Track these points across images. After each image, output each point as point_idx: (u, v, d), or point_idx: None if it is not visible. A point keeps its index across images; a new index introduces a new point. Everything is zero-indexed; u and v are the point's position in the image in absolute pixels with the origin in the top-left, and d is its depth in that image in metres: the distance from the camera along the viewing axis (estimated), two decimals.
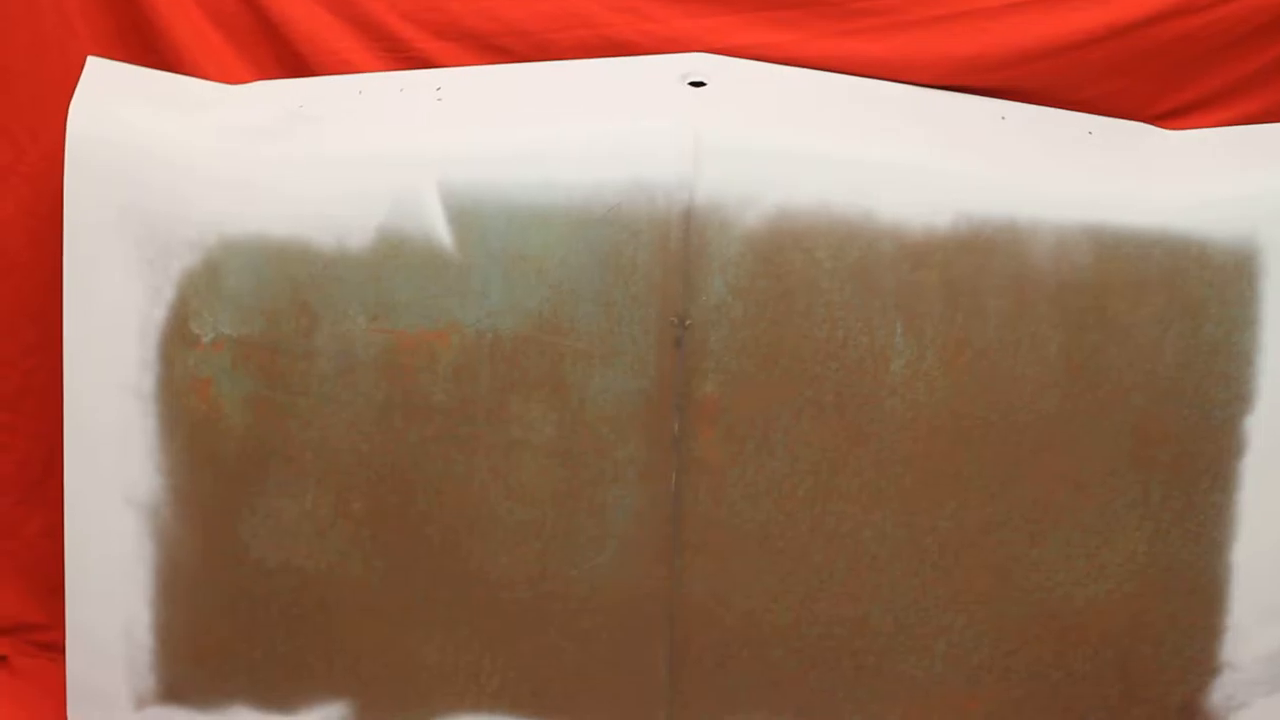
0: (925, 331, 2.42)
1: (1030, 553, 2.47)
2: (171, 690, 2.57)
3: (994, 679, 2.51)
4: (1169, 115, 2.52)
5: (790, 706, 2.54)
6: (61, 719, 2.58)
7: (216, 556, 2.52)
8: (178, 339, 2.46)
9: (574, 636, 2.52)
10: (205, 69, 2.57)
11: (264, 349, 2.46)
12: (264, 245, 2.44)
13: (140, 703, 2.58)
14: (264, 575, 2.52)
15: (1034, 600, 2.49)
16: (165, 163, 2.44)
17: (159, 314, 2.46)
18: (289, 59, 2.58)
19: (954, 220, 2.41)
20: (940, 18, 2.50)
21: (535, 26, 2.54)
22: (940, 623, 2.50)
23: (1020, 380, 2.43)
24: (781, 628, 2.51)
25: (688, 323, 2.42)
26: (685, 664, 2.52)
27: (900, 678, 2.52)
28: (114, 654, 2.55)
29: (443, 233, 2.42)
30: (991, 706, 2.53)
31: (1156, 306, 2.42)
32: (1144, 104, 2.52)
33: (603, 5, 2.52)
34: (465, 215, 2.42)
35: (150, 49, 2.58)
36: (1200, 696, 2.52)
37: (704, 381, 2.43)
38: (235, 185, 2.44)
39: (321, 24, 2.56)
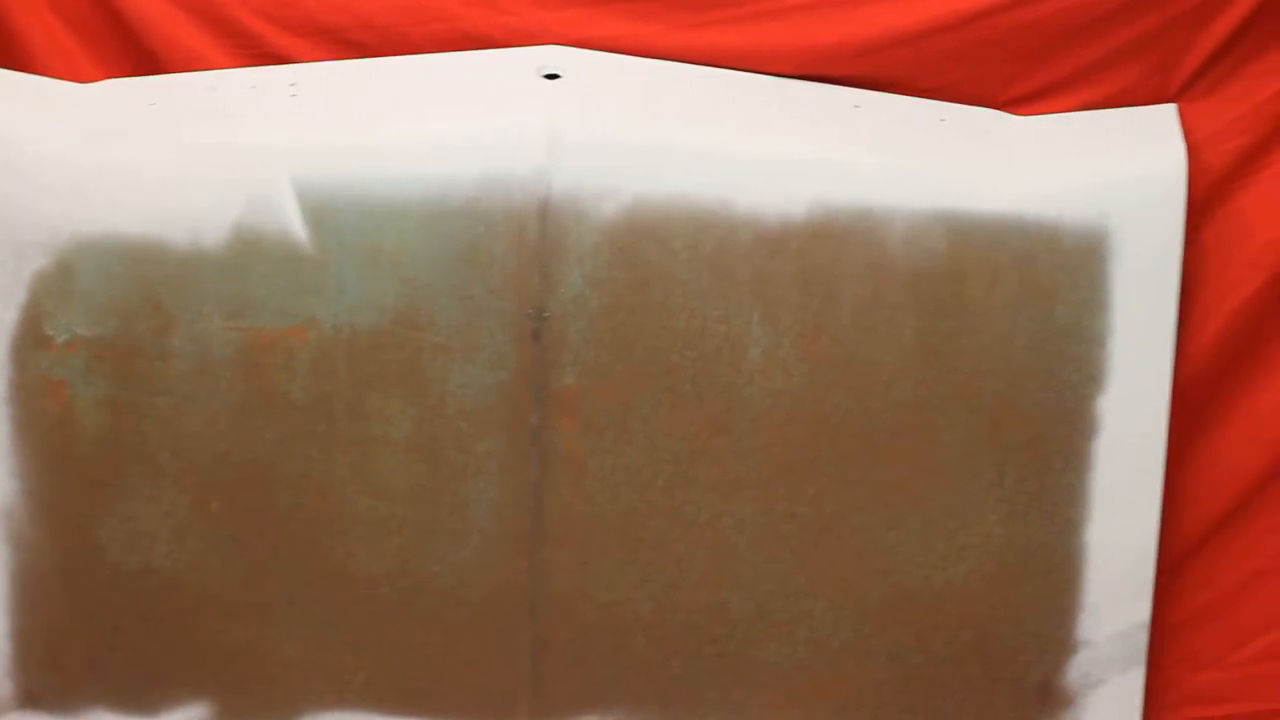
0: (782, 320, 2.43)
1: (888, 537, 2.50)
2: (30, 696, 2.55)
3: (855, 663, 2.54)
4: (1019, 101, 2.54)
5: (653, 696, 2.55)
6: None
7: (73, 560, 2.49)
8: (30, 341, 2.43)
9: (437, 631, 2.52)
10: (55, 68, 2.54)
11: (119, 350, 2.43)
12: (117, 245, 2.41)
13: None
14: (122, 578, 2.50)
15: (893, 584, 2.51)
16: (15, 164, 2.41)
17: (10, 316, 2.43)
18: (141, 57, 2.55)
19: (809, 209, 2.42)
20: (794, 8, 2.51)
21: (389, 21, 2.52)
22: (800, 608, 2.52)
23: (876, 366, 2.45)
24: (643, 618, 2.52)
25: (546, 315, 2.42)
26: (548, 656, 2.53)
27: (762, 664, 2.54)
28: None
29: (298, 229, 2.41)
30: (853, 690, 2.56)
31: (1009, 291, 2.44)
32: (995, 91, 2.54)
33: None
34: (321, 211, 2.40)
35: None
36: (1058, 675, 2.55)
37: (563, 373, 2.44)
38: (87, 185, 2.41)
39: (173, 21, 2.53)
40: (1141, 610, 2.53)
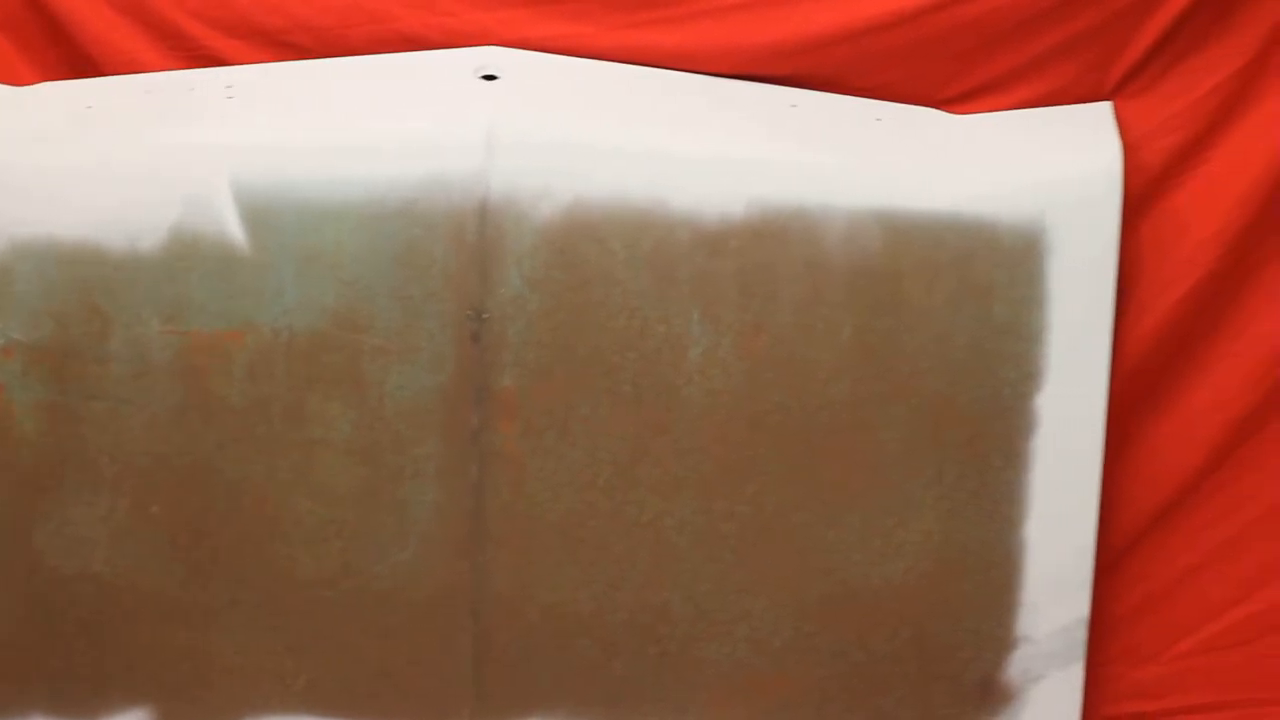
0: (721, 319, 2.44)
1: (828, 535, 2.50)
2: None
3: (796, 661, 2.54)
4: (956, 100, 2.54)
5: (596, 696, 2.56)
6: None
7: (11, 566, 2.49)
8: None
9: (378, 634, 2.52)
10: None
11: (56, 354, 2.43)
12: (54, 249, 2.41)
13: None
14: (61, 583, 2.50)
15: (833, 582, 2.52)
16: None
17: None
18: (77, 60, 2.54)
19: (747, 208, 2.42)
20: (731, 8, 2.51)
21: (326, 22, 2.52)
22: (741, 607, 2.52)
23: (815, 365, 2.46)
24: (585, 618, 2.52)
25: (485, 316, 2.42)
26: (490, 657, 2.53)
27: (703, 663, 2.55)
28: None
29: (236, 232, 2.40)
30: (794, 688, 2.56)
31: (948, 289, 2.45)
32: (932, 90, 2.54)
33: (395, 1, 2.51)
34: (258, 214, 2.40)
35: None
36: (998, 671, 2.56)
37: (502, 375, 2.44)
38: (23, 189, 2.40)
39: (109, 24, 2.52)
40: (1080, 606, 2.54)
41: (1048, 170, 2.46)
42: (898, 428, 2.47)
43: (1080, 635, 2.55)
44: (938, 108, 2.54)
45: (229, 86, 2.48)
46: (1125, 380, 2.55)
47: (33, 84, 2.54)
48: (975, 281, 2.44)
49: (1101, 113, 2.51)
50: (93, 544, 2.48)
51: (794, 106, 2.50)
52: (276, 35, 2.52)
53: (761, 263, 2.43)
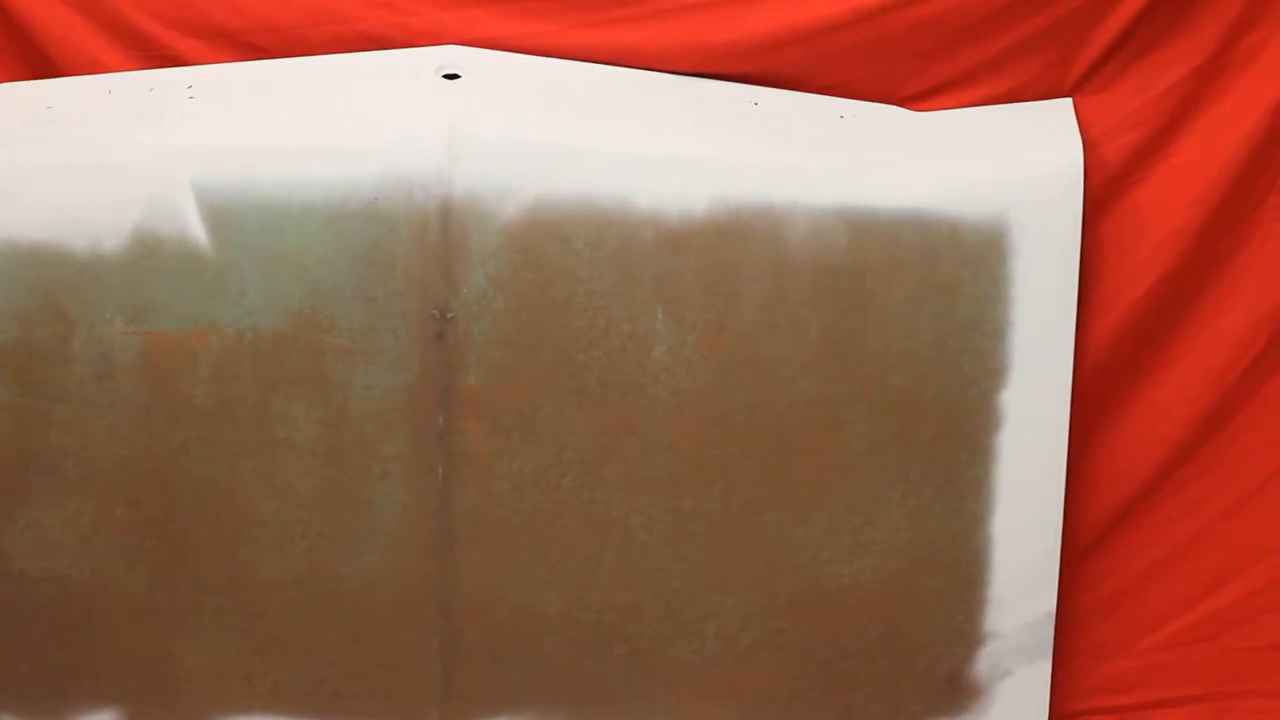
0: (686, 318, 2.44)
1: (796, 532, 2.51)
2: None
3: (765, 658, 2.55)
4: (918, 97, 2.55)
5: (565, 696, 2.56)
6: None
7: None
8: None
9: (345, 635, 2.52)
10: None
11: (19, 356, 2.41)
12: (15, 251, 2.39)
13: None
14: (27, 586, 2.49)
15: (802, 579, 2.52)
16: None
17: None
18: (36, 60, 2.53)
19: (710, 206, 2.43)
20: (692, 7, 2.51)
21: (287, 22, 2.51)
22: (709, 606, 2.52)
23: (781, 363, 2.46)
24: (553, 618, 2.52)
25: (449, 316, 2.42)
26: (458, 658, 2.52)
27: (673, 662, 2.55)
28: None
29: (199, 232, 2.39)
30: (764, 686, 2.57)
31: (911, 287, 2.46)
32: (894, 87, 2.55)
33: (356, 0, 2.51)
34: (221, 214, 2.39)
35: None
36: (966, 666, 2.57)
37: (467, 374, 2.43)
38: None
39: (68, 24, 2.51)
40: (1047, 601, 2.55)
41: (1009, 168, 2.47)
42: (864, 425, 2.48)
43: (1047, 630, 2.56)
44: (900, 105, 2.55)
45: (190, 87, 2.47)
46: (1089, 377, 2.57)
47: None
48: (939, 279, 2.45)
49: (1062, 110, 2.52)
50: (58, 545, 2.47)
51: (756, 104, 2.51)
52: (237, 35, 2.52)
53: (725, 261, 2.43)
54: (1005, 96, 2.55)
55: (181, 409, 2.43)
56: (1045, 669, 2.58)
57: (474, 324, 2.41)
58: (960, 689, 2.58)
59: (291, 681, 2.53)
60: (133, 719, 2.55)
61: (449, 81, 2.45)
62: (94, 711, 2.54)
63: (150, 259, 2.39)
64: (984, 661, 2.57)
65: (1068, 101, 2.52)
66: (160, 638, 2.51)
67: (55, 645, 2.50)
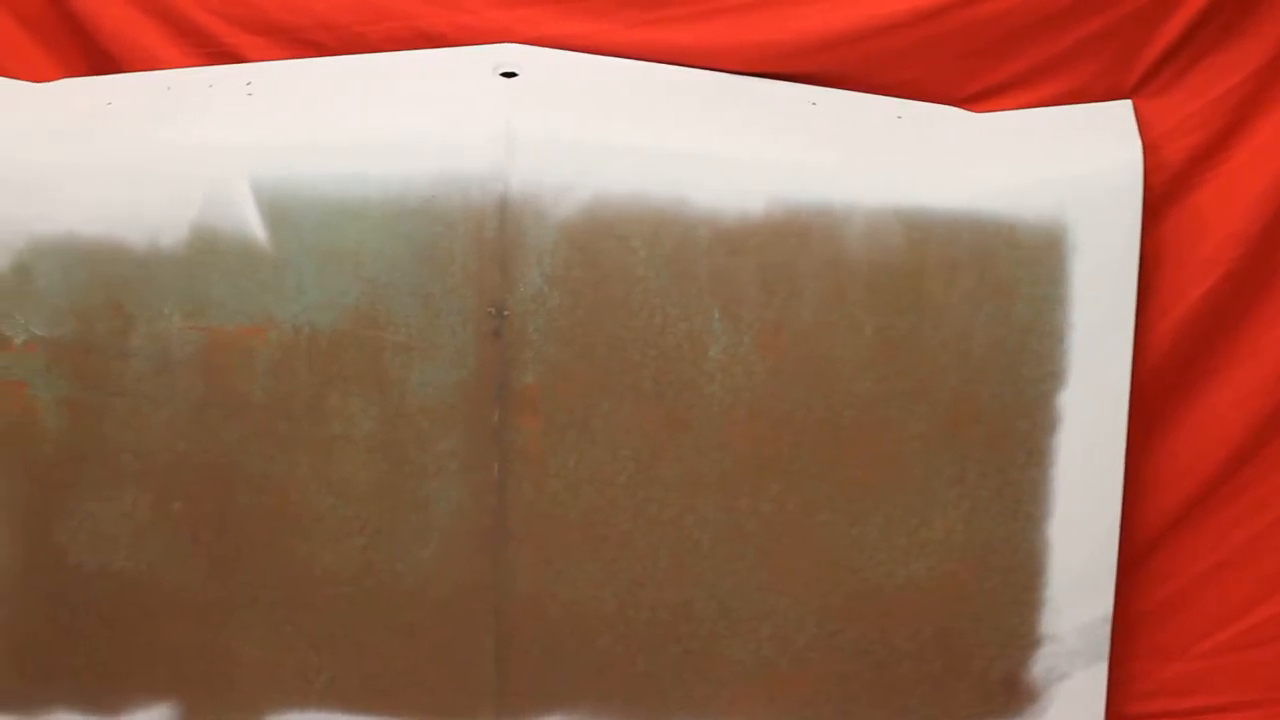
0: (742, 317, 2.44)
1: (851, 533, 2.50)
2: None
3: (819, 659, 2.54)
4: (977, 98, 2.54)
5: (618, 694, 2.55)
6: None
7: (34, 562, 2.49)
8: None
9: (400, 631, 2.52)
10: (11, 68, 2.54)
11: (78, 350, 2.43)
12: (75, 245, 2.41)
13: None
14: (83, 579, 2.50)
15: (856, 580, 2.52)
16: None
17: None
18: (97, 57, 2.55)
19: (768, 206, 2.42)
20: (751, 5, 2.51)
21: (345, 20, 2.52)
22: (764, 606, 2.52)
23: (837, 363, 2.45)
24: (607, 616, 2.52)
25: (506, 313, 2.42)
26: (512, 655, 2.52)
27: (726, 661, 2.54)
28: None
29: (256, 228, 2.40)
30: (817, 687, 2.56)
31: (968, 287, 2.45)
32: (952, 87, 2.54)
33: None
34: (279, 210, 2.40)
35: None
36: (1021, 669, 2.56)
37: (524, 372, 2.43)
38: (43, 185, 2.40)
39: (129, 21, 2.53)
40: (1104, 604, 2.54)
41: (1068, 169, 2.45)
42: (920, 426, 2.47)
43: (1104, 633, 2.55)
44: (958, 105, 2.54)
45: (249, 83, 2.48)
46: (1147, 378, 2.55)
47: (53, 80, 2.53)
48: (997, 279, 2.44)
49: (1122, 111, 2.51)
50: (115, 540, 2.48)
51: (814, 104, 2.50)
52: (296, 32, 2.53)
53: (782, 261, 2.43)
54: (1065, 97, 2.54)
55: (238, 404, 2.44)
56: (1102, 672, 2.57)
57: (530, 321, 2.42)
58: (1015, 692, 2.57)
59: (345, 677, 2.54)
60: (188, 713, 2.55)
61: (506, 80, 2.45)
62: (149, 705, 2.55)
63: (208, 255, 2.40)
64: (1040, 664, 2.55)
65: (1128, 103, 2.51)
66: (215, 632, 2.52)
67: (111, 639, 2.51)
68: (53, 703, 2.54)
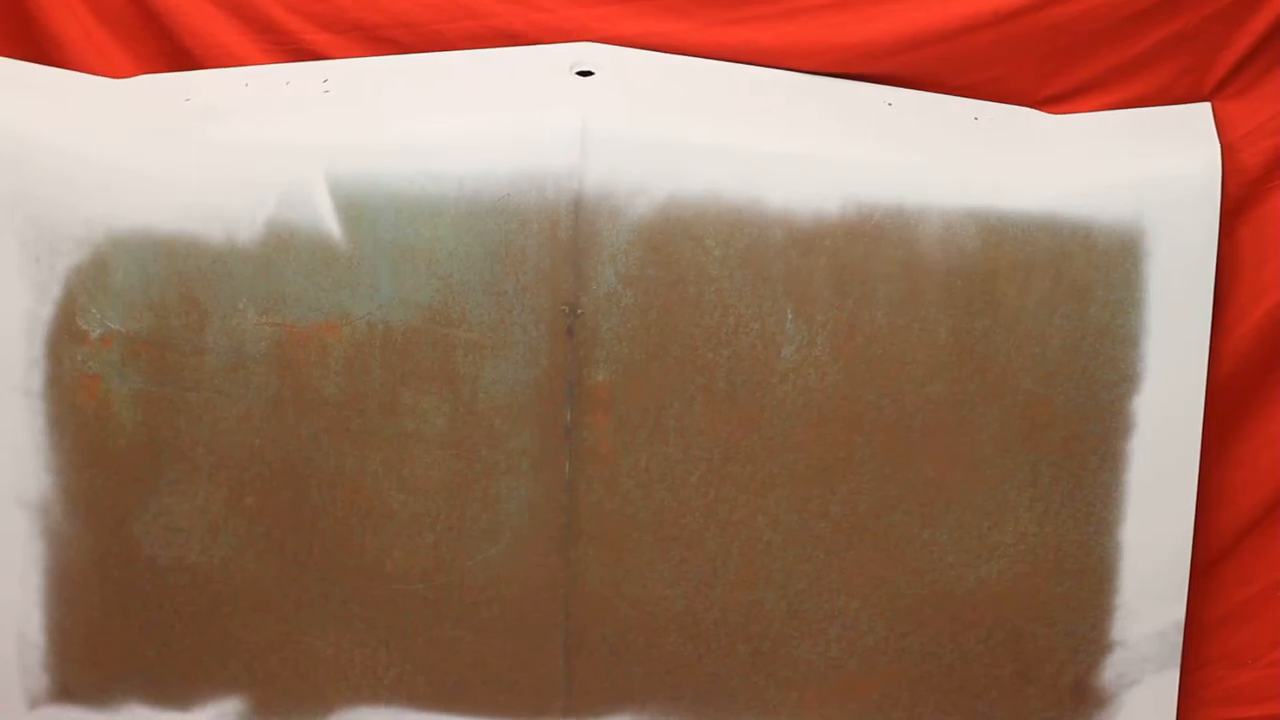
0: (815, 318, 2.43)
1: (922, 535, 2.49)
2: (65, 689, 2.56)
3: (888, 661, 2.53)
4: (1054, 100, 2.53)
5: (686, 693, 2.55)
6: None
7: (108, 555, 2.51)
8: (65, 336, 2.44)
9: (470, 628, 2.52)
10: (90, 64, 2.55)
11: (153, 344, 2.44)
12: (152, 240, 2.42)
13: (34, 702, 2.56)
14: (156, 573, 2.51)
15: (927, 582, 2.51)
16: (51, 159, 2.41)
17: (46, 311, 2.44)
18: (174, 53, 2.56)
19: (842, 207, 2.42)
20: (827, 5, 2.51)
21: (423, 18, 2.53)
22: (834, 607, 2.51)
23: (910, 365, 2.45)
24: (676, 615, 2.52)
25: (579, 312, 2.42)
26: (581, 653, 2.53)
27: (795, 662, 2.54)
28: (6, 654, 2.54)
29: (332, 225, 2.41)
30: (886, 689, 2.55)
31: (1043, 290, 2.44)
32: (1029, 89, 2.53)
33: None
34: (354, 207, 2.41)
35: (34, 45, 2.56)
36: (1092, 675, 2.55)
37: (596, 370, 2.43)
38: (122, 180, 2.42)
39: (207, 17, 2.55)
40: (1176, 610, 2.52)
41: (1145, 171, 2.44)
42: (993, 428, 2.46)
43: (1176, 639, 2.53)
44: (1035, 107, 2.53)
45: (326, 80, 2.49)
46: (1223, 383, 2.53)
47: (131, 77, 2.55)
48: (1071, 282, 2.43)
49: (1200, 114, 2.49)
50: (188, 534, 2.49)
51: (890, 105, 2.50)
52: (374, 30, 2.54)
53: (856, 262, 2.42)
54: (1142, 100, 2.52)
55: (312, 400, 2.45)
56: (1173, 678, 2.55)
57: (603, 320, 2.42)
58: (1085, 697, 2.55)
59: (415, 673, 2.55)
60: (258, 707, 2.56)
61: (583, 78, 2.45)
62: (221, 699, 2.57)
63: (283, 251, 2.41)
64: (1110, 670, 2.54)
65: (1206, 106, 2.49)
66: (287, 627, 2.53)
67: (183, 632, 2.53)
68: (125, 695, 2.56)
